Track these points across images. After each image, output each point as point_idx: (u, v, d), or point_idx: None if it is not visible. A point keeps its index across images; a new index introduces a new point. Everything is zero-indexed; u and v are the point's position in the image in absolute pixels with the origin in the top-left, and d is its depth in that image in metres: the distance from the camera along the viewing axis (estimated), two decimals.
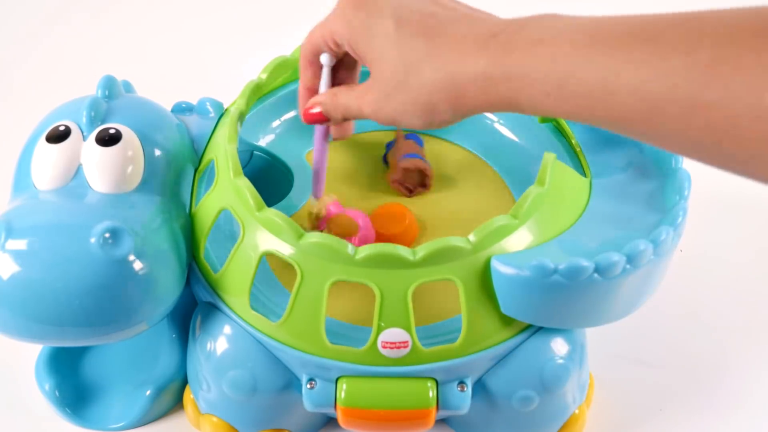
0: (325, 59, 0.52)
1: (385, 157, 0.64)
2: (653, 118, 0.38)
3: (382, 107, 0.48)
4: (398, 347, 0.50)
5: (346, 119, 0.52)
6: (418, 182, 0.62)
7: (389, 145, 0.65)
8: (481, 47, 0.43)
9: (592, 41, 0.40)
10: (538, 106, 0.42)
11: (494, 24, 0.44)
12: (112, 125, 0.55)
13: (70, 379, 0.59)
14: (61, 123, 0.55)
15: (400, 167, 0.61)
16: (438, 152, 0.66)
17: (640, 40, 0.38)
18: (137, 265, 0.50)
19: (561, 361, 0.53)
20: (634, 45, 0.38)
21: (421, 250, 0.49)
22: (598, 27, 0.40)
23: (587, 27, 0.40)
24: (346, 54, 0.52)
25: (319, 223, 0.58)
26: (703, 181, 0.58)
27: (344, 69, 0.54)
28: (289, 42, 0.64)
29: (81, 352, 0.61)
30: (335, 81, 0.54)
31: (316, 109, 0.52)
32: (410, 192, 0.62)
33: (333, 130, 0.56)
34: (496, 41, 0.43)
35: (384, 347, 0.50)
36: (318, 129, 0.56)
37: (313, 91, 0.54)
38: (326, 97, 0.52)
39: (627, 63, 0.38)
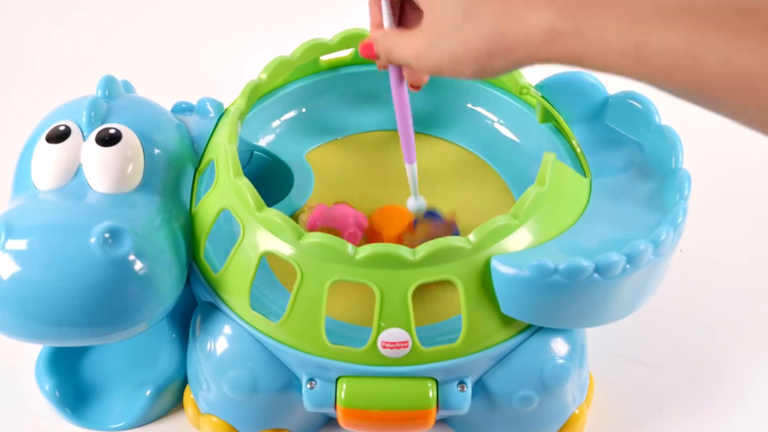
0: None
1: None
2: (742, 91, 0.36)
3: (428, 52, 0.46)
4: (398, 347, 0.50)
5: (391, 62, 0.51)
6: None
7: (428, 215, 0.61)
8: None
9: (680, 6, 0.38)
10: (610, 66, 0.40)
11: None
12: (112, 125, 0.55)
13: (70, 379, 0.59)
14: (61, 123, 0.55)
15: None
16: (438, 152, 0.66)
17: (735, 11, 0.36)
18: (137, 265, 0.50)
19: (561, 361, 0.53)
20: (728, 15, 0.36)
21: (421, 250, 0.49)
22: None
23: None
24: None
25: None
26: (703, 181, 0.58)
27: (411, 10, 0.52)
28: (289, 42, 0.64)
29: (81, 352, 0.61)
30: (404, 22, 0.53)
31: (365, 45, 0.52)
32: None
33: (406, 73, 0.54)
34: None
35: (384, 347, 0.50)
36: (392, 74, 0.54)
37: (380, 27, 0.53)
38: (380, 34, 0.51)
39: (718, 31, 0.36)
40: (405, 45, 0.48)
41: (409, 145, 0.57)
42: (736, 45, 0.36)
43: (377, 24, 0.53)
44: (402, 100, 0.55)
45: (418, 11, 0.51)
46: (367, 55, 0.53)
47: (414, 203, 0.58)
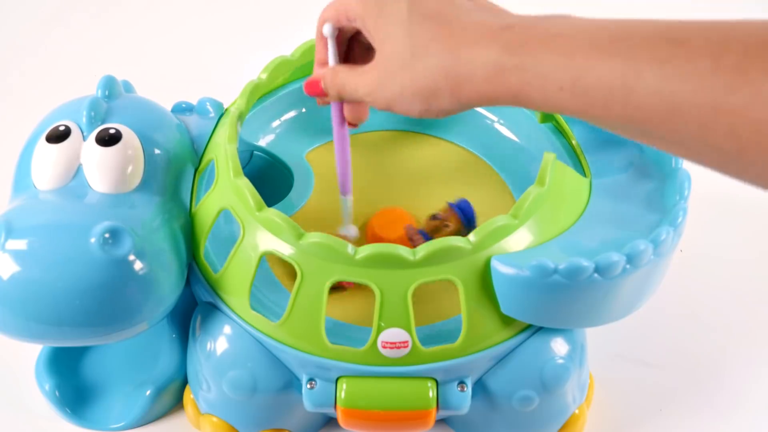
0: (326, 30, 0.51)
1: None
2: (674, 120, 0.37)
3: (379, 89, 0.47)
4: (398, 347, 0.50)
5: (341, 99, 0.51)
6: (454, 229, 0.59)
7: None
8: (495, 36, 0.42)
9: (614, 39, 0.39)
10: (550, 101, 0.41)
11: (510, 16, 0.44)
12: (112, 125, 0.55)
13: (70, 379, 0.59)
14: (61, 123, 0.55)
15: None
16: (438, 152, 0.66)
17: (665, 41, 0.37)
18: (137, 265, 0.50)
19: (561, 361, 0.53)
20: (658, 45, 0.37)
21: (421, 250, 0.49)
22: (619, 27, 0.39)
23: (608, 26, 0.40)
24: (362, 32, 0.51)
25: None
26: (703, 181, 0.58)
27: (359, 48, 0.53)
28: (289, 42, 0.64)
29: (81, 352, 0.61)
30: (351, 60, 0.53)
31: (313, 83, 0.52)
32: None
33: (346, 111, 0.54)
34: (511, 32, 0.42)
35: (384, 347, 0.50)
36: (334, 112, 0.54)
37: (325, 65, 0.53)
38: (328, 71, 0.51)
39: (650, 62, 0.37)
40: (358, 81, 0.48)
41: (345, 179, 0.57)
42: (665, 74, 0.37)
43: (322, 62, 0.53)
44: (343, 136, 0.55)
45: (367, 49, 0.52)
46: (312, 93, 0.52)
47: (345, 232, 0.58)
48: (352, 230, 0.59)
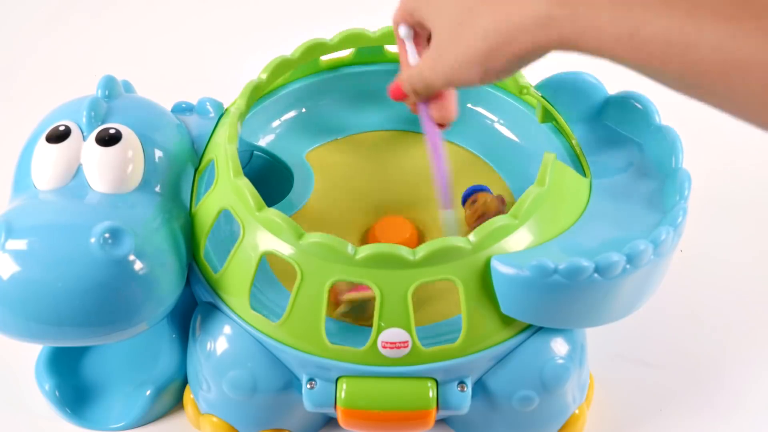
0: (402, 31, 0.52)
1: (469, 194, 0.61)
2: (733, 77, 0.37)
3: (437, 65, 0.47)
4: (398, 347, 0.50)
5: (418, 94, 0.52)
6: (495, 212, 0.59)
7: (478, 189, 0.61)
8: None
9: None
10: (605, 52, 0.40)
11: None
12: (112, 125, 0.55)
13: (70, 379, 0.59)
14: (61, 123, 0.55)
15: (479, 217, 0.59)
16: None
17: (729, 1, 0.37)
18: (137, 265, 0.50)
19: (561, 361, 0.53)
20: (720, 2, 0.37)
21: (421, 250, 0.49)
22: None
23: None
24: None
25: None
26: (703, 181, 0.58)
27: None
28: (289, 42, 0.64)
29: (81, 352, 0.61)
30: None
31: (393, 87, 0.54)
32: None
33: (434, 112, 0.54)
34: None
35: (384, 347, 0.50)
36: (423, 117, 0.55)
37: (410, 66, 0.54)
38: (404, 72, 0.52)
39: (713, 17, 0.37)
40: (421, 67, 0.49)
41: (445, 190, 0.56)
42: (729, 31, 0.36)
43: (405, 65, 0.54)
44: (436, 143, 0.55)
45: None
46: (398, 97, 0.55)
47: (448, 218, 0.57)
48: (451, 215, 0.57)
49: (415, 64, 0.52)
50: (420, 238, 0.60)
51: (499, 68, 0.45)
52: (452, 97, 0.55)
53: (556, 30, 0.42)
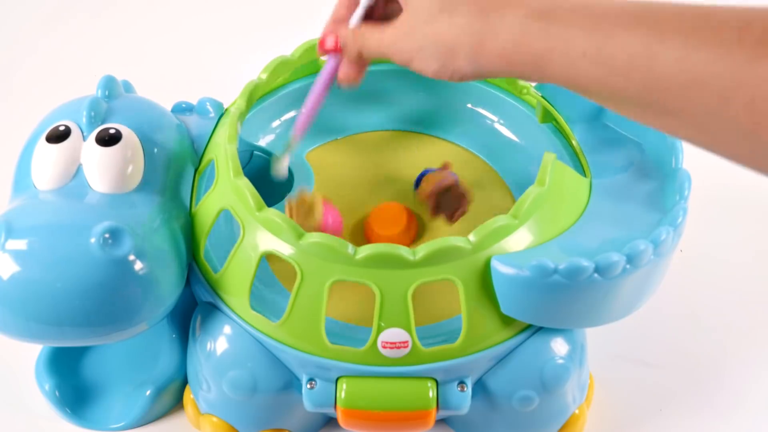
0: None
1: (418, 182, 0.62)
2: (693, 91, 0.37)
3: (402, 40, 0.47)
4: (398, 347, 0.50)
5: (360, 56, 0.51)
6: (454, 206, 0.59)
7: (423, 174, 0.62)
8: (524, 1, 0.43)
9: (641, 11, 0.40)
10: (571, 68, 0.41)
11: None
12: (112, 125, 0.55)
13: (70, 379, 0.59)
14: (61, 123, 0.55)
15: (432, 192, 0.59)
16: (438, 152, 0.66)
17: (691, 16, 0.38)
18: (137, 265, 0.50)
19: (561, 361, 0.53)
20: (684, 18, 0.38)
21: (421, 250, 0.49)
22: (647, 2, 0.40)
23: (636, 3, 0.40)
24: (387, 1, 0.52)
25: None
26: (703, 181, 0.58)
27: (380, 9, 0.53)
28: (289, 42, 0.64)
29: (81, 352, 0.61)
30: (377, 16, 0.53)
31: (331, 39, 0.52)
32: (451, 218, 0.59)
33: (342, 70, 0.53)
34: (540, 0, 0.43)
35: (384, 347, 0.50)
36: (327, 67, 0.54)
37: (340, 24, 0.53)
38: (349, 30, 0.51)
39: (675, 32, 0.38)
40: (382, 36, 0.49)
41: (306, 123, 0.56)
42: (689, 42, 0.37)
43: (339, 19, 0.53)
44: (322, 91, 0.55)
45: (392, 5, 0.52)
46: (326, 50, 0.52)
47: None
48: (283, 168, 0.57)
49: (365, 25, 0.51)
50: (417, 224, 0.60)
51: (456, 69, 0.46)
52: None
53: (527, 45, 0.42)
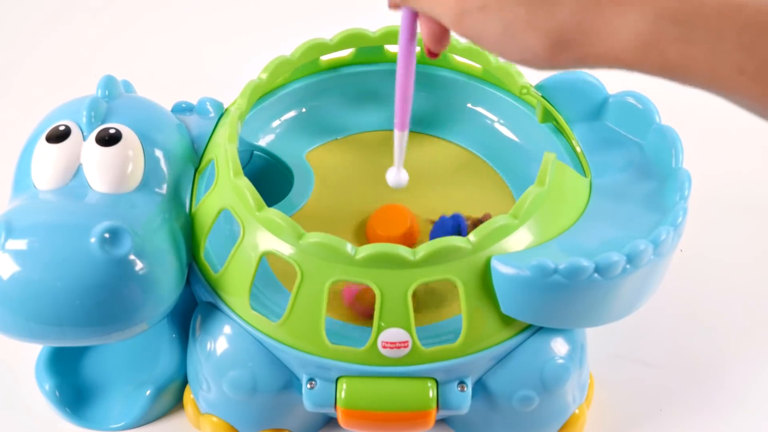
0: None
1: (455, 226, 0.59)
2: None
3: (472, 15, 0.39)
4: (398, 347, 0.50)
5: (414, 7, 0.43)
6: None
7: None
8: None
9: None
10: (716, 82, 0.36)
11: None
12: (112, 125, 0.55)
13: (70, 379, 0.59)
14: (61, 123, 0.55)
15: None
16: (438, 152, 0.66)
17: None
18: (137, 265, 0.50)
19: (561, 361, 0.53)
20: None
21: (421, 250, 0.49)
22: None
23: None
24: None
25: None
26: (703, 181, 0.58)
27: None
28: (289, 42, 0.64)
29: (81, 352, 0.61)
30: None
31: None
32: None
33: (425, 32, 0.45)
34: None
35: (384, 347, 0.50)
36: (404, 25, 0.46)
37: None
38: None
39: None
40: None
41: (405, 110, 0.50)
42: None
43: None
44: (408, 58, 0.48)
45: None
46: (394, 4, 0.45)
47: (395, 176, 0.55)
48: (403, 176, 0.54)
49: None
50: (419, 227, 0.60)
51: (554, 62, 0.39)
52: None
53: (657, 52, 0.36)
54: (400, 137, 0.53)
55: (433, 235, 0.58)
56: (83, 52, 0.90)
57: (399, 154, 0.54)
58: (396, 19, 0.65)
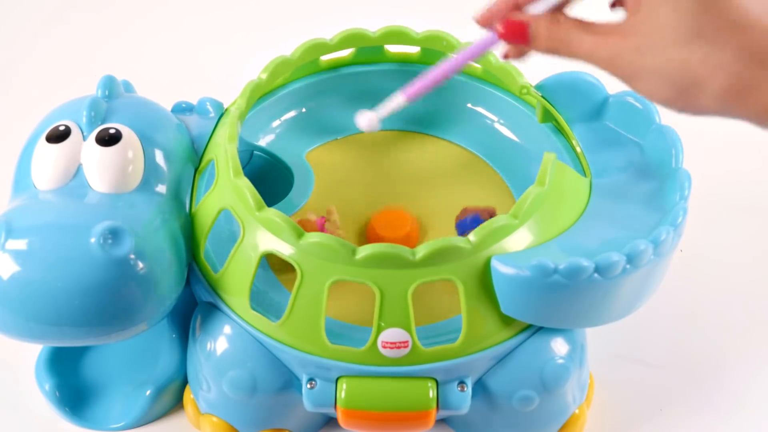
0: None
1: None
2: None
3: (628, 54, 0.39)
4: (398, 347, 0.50)
5: (551, 52, 0.42)
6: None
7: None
8: None
9: None
10: None
11: None
12: (112, 125, 0.55)
13: (70, 379, 0.59)
14: (61, 123, 0.55)
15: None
16: (438, 152, 0.66)
17: None
18: (137, 265, 0.50)
19: (561, 361, 0.53)
20: None
21: (421, 250, 0.49)
22: None
23: None
24: None
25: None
26: (703, 181, 0.58)
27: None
28: (289, 42, 0.64)
29: (81, 352, 0.61)
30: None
31: (517, 22, 0.42)
32: None
33: (510, 48, 0.45)
34: None
35: (384, 347, 0.50)
36: (486, 37, 0.45)
37: (516, 4, 0.43)
38: (545, 18, 0.42)
39: None
40: (596, 42, 0.40)
41: (422, 90, 0.49)
42: None
43: (517, 3, 0.43)
44: (461, 65, 0.48)
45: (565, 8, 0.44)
46: (511, 35, 0.43)
47: (368, 120, 0.53)
48: (376, 123, 0.53)
49: (568, 19, 0.42)
50: (420, 231, 0.60)
51: (696, 104, 0.38)
52: None
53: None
54: (398, 103, 0.51)
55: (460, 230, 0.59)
56: (83, 52, 0.90)
57: (386, 112, 0.52)
58: (394, 19, 0.65)
